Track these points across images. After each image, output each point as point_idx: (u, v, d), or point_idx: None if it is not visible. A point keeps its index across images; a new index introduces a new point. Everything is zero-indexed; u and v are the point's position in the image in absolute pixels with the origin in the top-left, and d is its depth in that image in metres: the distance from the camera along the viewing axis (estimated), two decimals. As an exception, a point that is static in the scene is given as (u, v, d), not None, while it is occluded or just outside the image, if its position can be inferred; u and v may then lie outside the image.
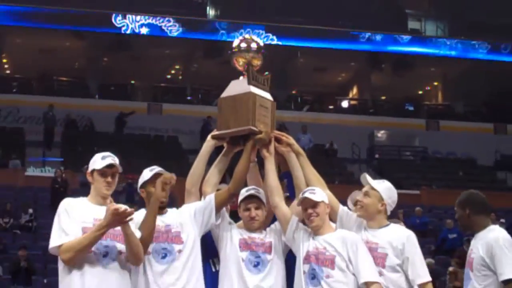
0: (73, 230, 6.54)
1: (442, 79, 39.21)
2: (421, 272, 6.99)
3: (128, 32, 37.69)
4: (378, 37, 38.75)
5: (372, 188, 7.17)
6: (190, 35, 38.14)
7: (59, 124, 34.92)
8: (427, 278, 7.01)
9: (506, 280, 7.61)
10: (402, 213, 21.76)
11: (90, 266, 6.58)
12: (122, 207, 6.38)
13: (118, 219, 6.38)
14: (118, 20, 37.55)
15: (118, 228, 6.54)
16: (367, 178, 7.29)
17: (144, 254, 6.74)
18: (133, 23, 37.61)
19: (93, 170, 6.77)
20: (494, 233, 7.68)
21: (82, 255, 6.49)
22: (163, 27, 37.86)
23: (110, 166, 6.74)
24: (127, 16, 37.42)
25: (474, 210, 7.76)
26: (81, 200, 6.79)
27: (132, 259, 6.64)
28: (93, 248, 6.54)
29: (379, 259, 6.99)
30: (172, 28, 37.89)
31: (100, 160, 6.77)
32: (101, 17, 37.46)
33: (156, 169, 7.00)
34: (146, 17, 37.59)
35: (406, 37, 39.72)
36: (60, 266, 6.62)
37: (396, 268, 6.96)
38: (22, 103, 36.00)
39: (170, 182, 6.93)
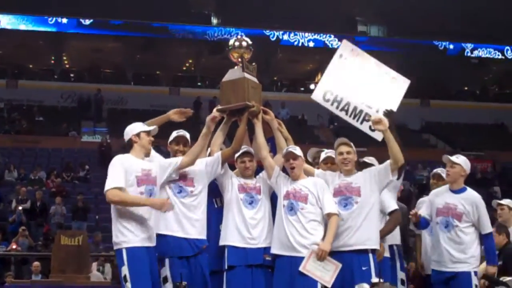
0: (123, 178, 6.61)
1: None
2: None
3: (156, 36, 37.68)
4: (335, 38, 38.58)
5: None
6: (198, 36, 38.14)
7: (105, 103, 34.91)
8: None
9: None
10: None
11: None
12: (171, 207, 6.63)
13: (158, 208, 6.57)
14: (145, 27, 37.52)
15: (154, 175, 6.79)
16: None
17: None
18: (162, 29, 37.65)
19: (139, 133, 6.87)
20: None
21: (121, 205, 6.61)
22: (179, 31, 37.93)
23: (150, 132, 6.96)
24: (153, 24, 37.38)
25: None
26: (129, 156, 6.83)
27: None
28: (142, 190, 6.68)
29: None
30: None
31: (145, 126, 6.97)
32: (137, 25, 37.31)
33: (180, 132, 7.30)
34: (171, 24, 37.54)
35: (356, 37, 39.65)
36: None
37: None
38: (78, 88, 35.92)
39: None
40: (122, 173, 6.64)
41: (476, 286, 7.41)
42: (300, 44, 39.06)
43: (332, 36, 38.01)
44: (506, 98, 41.96)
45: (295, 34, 38.58)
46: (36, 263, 15.30)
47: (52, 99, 35.34)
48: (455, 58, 40.44)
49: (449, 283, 7.47)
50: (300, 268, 6.79)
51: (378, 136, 7.71)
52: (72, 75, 39.67)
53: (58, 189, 22.70)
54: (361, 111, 7.95)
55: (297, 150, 7.15)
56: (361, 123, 7.94)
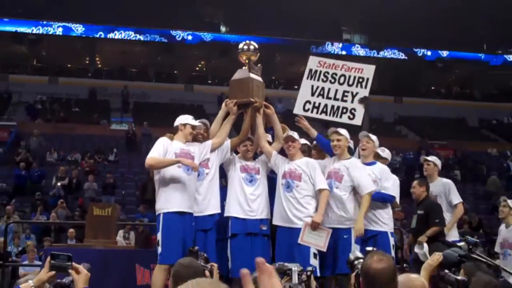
0: (161, 152, 6.79)
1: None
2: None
3: (174, 41, 37.63)
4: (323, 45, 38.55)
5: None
6: (209, 42, 38.09)
7: (131, 97, 34.88)
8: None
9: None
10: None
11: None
12: (196, 167, 6.79)
13: (188, 164, 6.73)
14: (165, 34, 37.45)
15: (192, 154, 6.95)
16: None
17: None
18: (178, 35, 37.55)
19: (186, 123, 7.00)
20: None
21: (157, 167, 6.77)
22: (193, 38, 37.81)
23: (197, 126, 7.17)
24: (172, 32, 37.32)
25: None
26: (172, 138, 7.00)
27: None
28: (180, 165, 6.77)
29: None
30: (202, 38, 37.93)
31: (193, 120, 7.08)
32: (159, 33, 37.26)
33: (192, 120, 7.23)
34: (186, 32, 37.45)
35: (340, 43, 39.67)
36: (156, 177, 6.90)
37: None
38: (109, 85, 35.94)
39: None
40: (161, 149, 6.79)
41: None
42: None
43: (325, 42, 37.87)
44: (466, 96, 42.06)
45: (292, 40, 38.45)
46: (72, 230, 15.35)
47: (86, 93, 35.37)
48: (425, 62, 40.35)
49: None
50: (299, 241, 6.88)
51: (358, 121, 7.75)
52: (103, 73, 39.60)
53: (91, 169, 22.72)
54: (338, 107, 8.00)
55: (295, 135, 7.27)
56: (340, 116, 7.99)
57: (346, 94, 8.04)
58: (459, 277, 4.09)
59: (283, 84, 41.05)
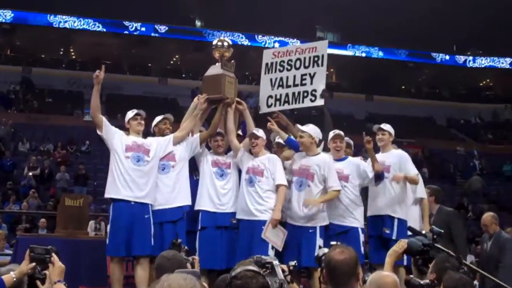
0: (109, 125, 7.09)
1: (335, 66, 39.05)
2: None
3: (148, 34, 37.42)
4: (298, 41, 38.56)
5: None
6: (184, 37, 37.98)
7: (104, 89, 34.51)
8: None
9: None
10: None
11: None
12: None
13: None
14: (134, 27, 37.20)
15: (147, 148, 6.96)
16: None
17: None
18: (147, 29, 37.34)
19: (128, 121, 7.08)
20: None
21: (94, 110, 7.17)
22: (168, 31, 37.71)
23: (139, 113, 7.05)
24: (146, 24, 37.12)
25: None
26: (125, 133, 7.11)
27: None
28: (129, 155, 6.84)
29: None
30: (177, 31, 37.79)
31: (130, 113, 7.07)
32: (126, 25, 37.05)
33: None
34: (162, 25, 37.28)
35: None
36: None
37: None
38: (82, 75, 35.54)
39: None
40: (113, 128, 7.06)
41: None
42: (267, 45, 38.93)
43: (295, 39, 37.88)
44: (435, 96, 42.48)
45: (263, 37, 38.43)
46: (43, 220, 15.26)
47: (60, 84, 35.00)
48: (396, 61, 40.67)
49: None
50: (262, 235, 6.91)
51: (320, 102, 7.76)
52: (77, 64, 39.22)
53: (63, 159, 22.59)
54: (299, 93, 7.93)
55: (259, 132, 7.25)
56: (303, 101, 7.92)
57: (304, 77, 7.91)
58: (422, 282, 4.19)
59: (256, 80, 40.98)
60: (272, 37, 38.22)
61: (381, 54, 40.57)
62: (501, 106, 40.57)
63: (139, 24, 36.89)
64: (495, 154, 33.07)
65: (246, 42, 37.94)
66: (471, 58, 41.30)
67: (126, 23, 36.73)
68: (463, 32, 37.28)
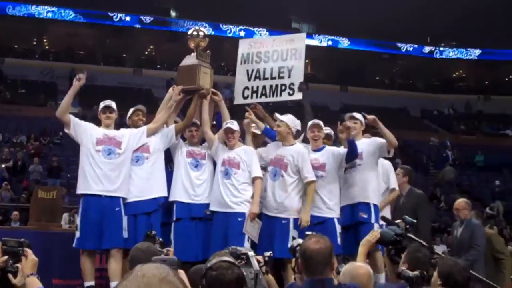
0: (78, 121, 7.09)
1: (311, 58, 39.12)
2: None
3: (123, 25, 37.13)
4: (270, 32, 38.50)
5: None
6: (159, 27, 37.71)
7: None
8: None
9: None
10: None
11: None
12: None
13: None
14: (114, 17, 36.92)
15: (119, 140, 6.92)
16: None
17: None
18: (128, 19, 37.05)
19: (100, 112, 7.02)
20: None
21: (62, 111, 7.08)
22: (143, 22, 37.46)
23: (107, 106, 6.90)
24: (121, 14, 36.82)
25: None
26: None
27: None
28: (100, 148, 6.79)
29: None
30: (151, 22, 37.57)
31: (101, 105, 7.01)
32: (108, 15, 36.75)
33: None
34: (136, 15, 36.99)
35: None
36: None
37: None
38: (56, 66, 35.22)
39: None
40: (82, 122, 7.04)
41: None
42: (243, 36, 38.85)
43: (265, 30, 37.79)
44: (409, 87, 42.77)
45: (240, 29, 38.34)
46: (16, 212, 15.12)
47: (33, 74, 34.58)
48: (371, 52, 40.84)
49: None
50: (243, 231, 6.89)
51: (299, 96, 7.73)
52: (50, 54, 38.82)
53: (36, 151, 22.38)
54: (276, 86, 7.85)
55: (234, 125, 7.19)
56: (280, 95, 7.86)
57: (282, 70, 7.80)
58: (411, 274, 4.21)
59: (231, 71, 40.90)
60: (237, 26, 38.09)
61: (355, 45, 40.68)
62: (473, 97, 40.98)
63: (121, 14, 36.58)
64: (468, 145, 33.40)
65: (210, 31, 37.83)
66: (445, 49, 41.59)
67: (110, 13, 36.53)
68: (437, 23, 37.53)
